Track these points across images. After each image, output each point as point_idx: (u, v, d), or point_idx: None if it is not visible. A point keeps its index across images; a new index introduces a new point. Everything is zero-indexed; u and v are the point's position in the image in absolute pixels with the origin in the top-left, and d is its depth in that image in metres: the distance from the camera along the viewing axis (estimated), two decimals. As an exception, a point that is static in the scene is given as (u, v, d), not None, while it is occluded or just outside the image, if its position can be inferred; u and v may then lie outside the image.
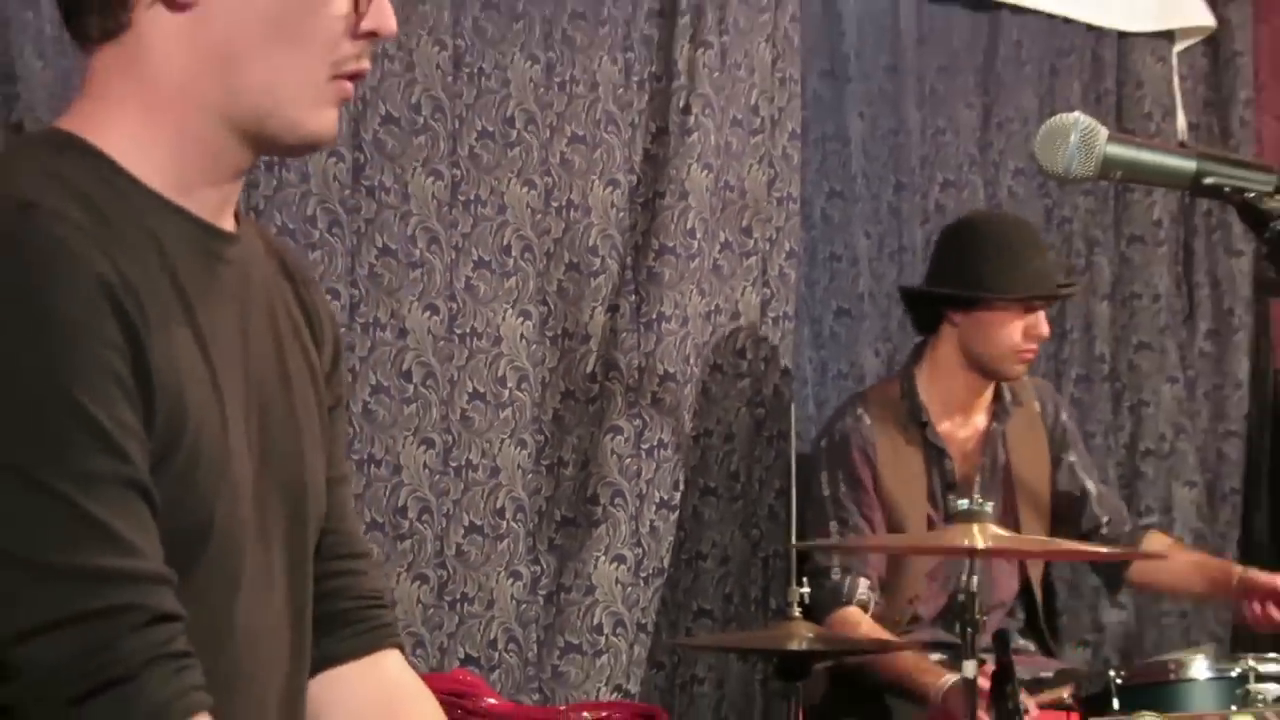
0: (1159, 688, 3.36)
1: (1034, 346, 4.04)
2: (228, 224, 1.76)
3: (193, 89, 1.70)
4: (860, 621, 3.91)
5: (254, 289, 1.80)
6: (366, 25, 1.73)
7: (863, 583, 3.96)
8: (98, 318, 1.54)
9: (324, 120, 1.74)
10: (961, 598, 3.10)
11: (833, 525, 4.02)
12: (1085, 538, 4.21)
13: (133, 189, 1.68)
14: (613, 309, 4.20)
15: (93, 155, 1.68)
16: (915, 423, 4.08)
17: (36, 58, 3.39)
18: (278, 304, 1.85)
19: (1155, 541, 4.24)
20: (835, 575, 3.95)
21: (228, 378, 1.71)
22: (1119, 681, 3.33)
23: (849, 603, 3.94)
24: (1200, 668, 3.40)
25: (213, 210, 1.74)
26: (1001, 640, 3.09)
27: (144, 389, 1.57)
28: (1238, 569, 4.06)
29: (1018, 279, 4.00)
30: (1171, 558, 4.15)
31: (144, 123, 1.71)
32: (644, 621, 4.18)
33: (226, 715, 1.66)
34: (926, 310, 4.17)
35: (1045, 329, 4.05)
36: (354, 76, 1.75)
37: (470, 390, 3.99)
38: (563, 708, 3.83)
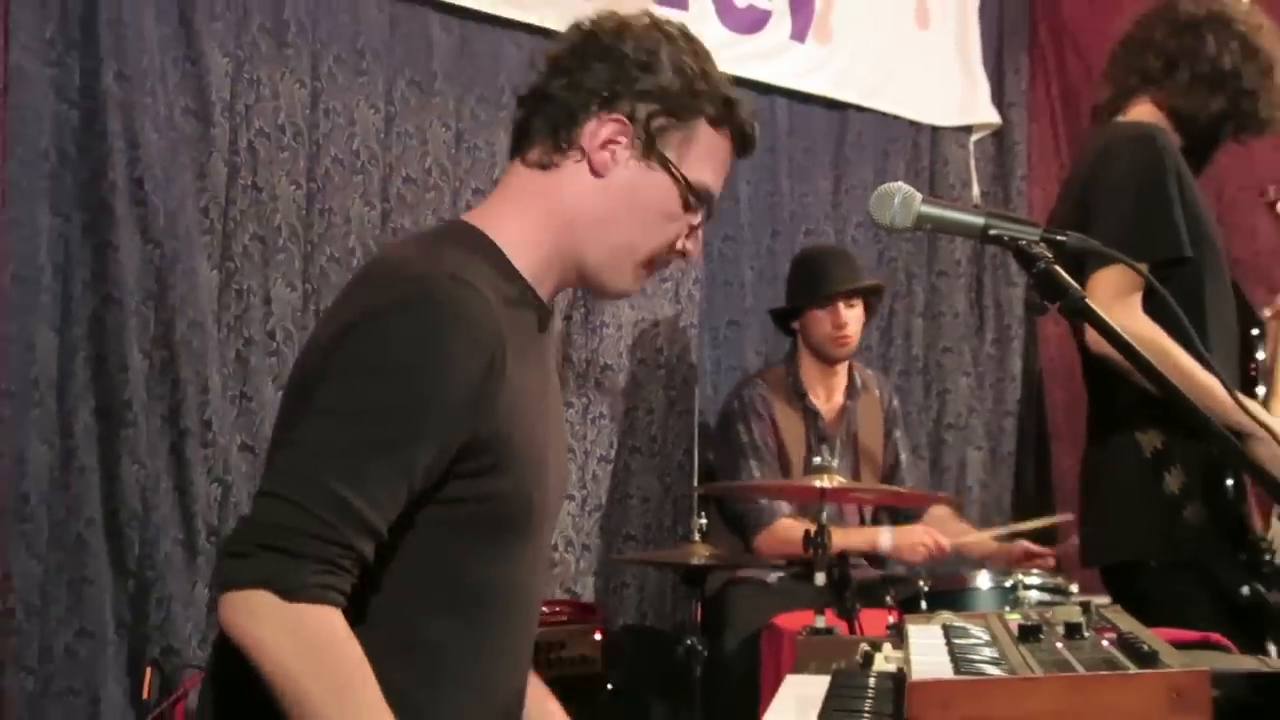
0: (955, 594, 3.36)
1: (845, 332, 4.04)
2: (549, 303, 1.85)
3: (575, 227, 1.80)
4: (794, 525, 3.81)
5: (552, 346, 1.91)
6: (685, 245, 1.85)
7: (781, 504, 3.94)
8: (470, 369, 1.63)
9: (633, 288, 1.86)
10: (814, 527, 3.10)
11: (753, 464, 3.97)
12: None
13: (514, 274, 1.78)
14: (568, 318, 4.17)
15: (492, 247, 1.78)
16: (797, 395, 4.09)
17: (154, 131, 3.37)
18: (558, 353, 1.96)
19: (938, 510, 4.15)
20: (763, 500, 3.93)
21: (544, 405, 1.79)
22: (926, 589, 3.35)
23: (780, 515, 3.90)
24: (984, 580, 3.41)
25: (547, 295, 1.83)
26: (842, 557, 3.08)
27: (490, 416, 1.65)
28: (993, 544, 4.02)
29: (816, 288, 4.04)
30: (946, 525, 4.05)
31: (534, 233, 1.80)
32: (588, 543, 4.18)
33: (516, 642, 1.79)
34: (783, 322, 4.22)
35: (843, 317, 4.03)
36: (653, 268, 1.85)
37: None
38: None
